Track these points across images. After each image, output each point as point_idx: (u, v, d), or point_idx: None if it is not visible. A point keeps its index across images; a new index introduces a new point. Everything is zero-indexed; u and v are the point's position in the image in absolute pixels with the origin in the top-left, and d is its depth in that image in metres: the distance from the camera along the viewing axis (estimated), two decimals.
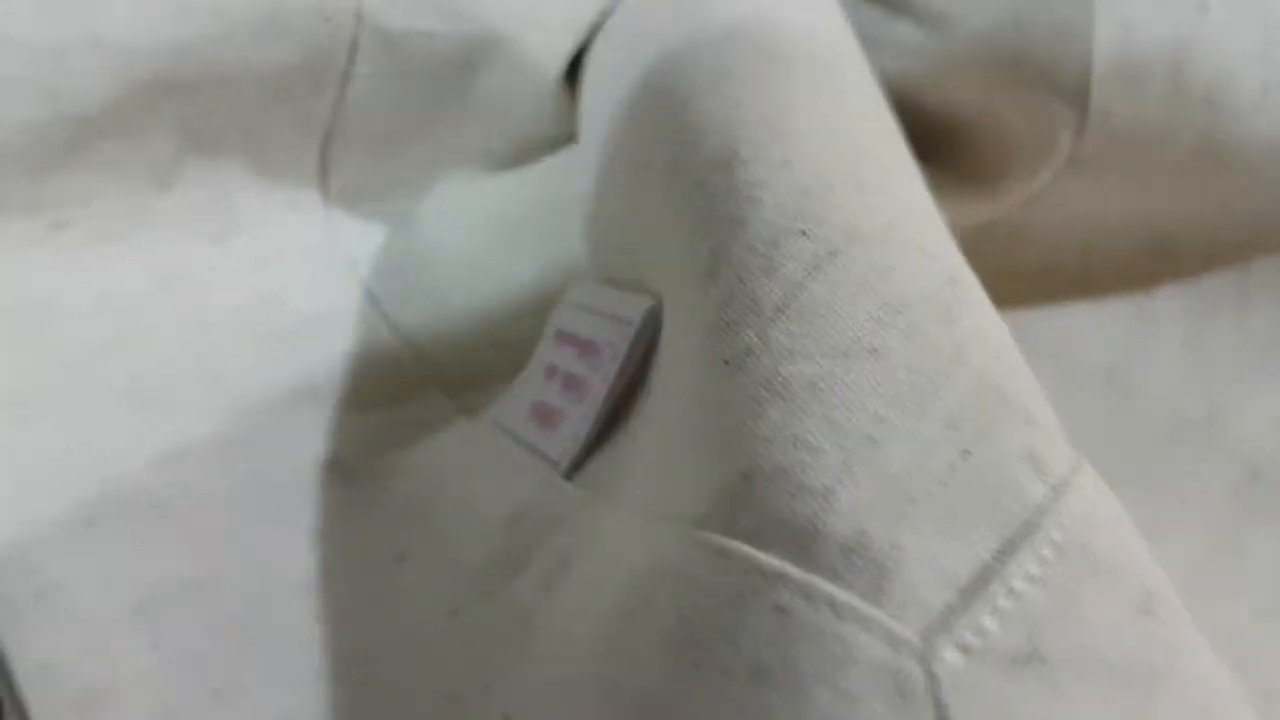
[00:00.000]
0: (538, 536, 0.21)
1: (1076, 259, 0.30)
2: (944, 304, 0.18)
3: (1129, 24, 0.25)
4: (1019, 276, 0.30)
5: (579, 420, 0.23)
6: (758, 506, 0.16)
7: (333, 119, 0.28)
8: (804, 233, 0.18)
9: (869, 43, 0.27)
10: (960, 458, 0.15)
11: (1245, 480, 0.28)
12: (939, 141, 0.28)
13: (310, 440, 0.26)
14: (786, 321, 0.17)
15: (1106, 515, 0.16)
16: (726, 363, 0.17)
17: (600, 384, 0.23)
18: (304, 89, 0.27)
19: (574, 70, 0.29)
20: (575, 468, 0.23)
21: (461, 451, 0.25)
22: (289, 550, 0.23)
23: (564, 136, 0.31)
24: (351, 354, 0.28)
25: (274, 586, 0.22)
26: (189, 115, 0.26)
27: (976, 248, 0.21)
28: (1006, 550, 0.15)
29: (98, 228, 0.26)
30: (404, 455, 0.26)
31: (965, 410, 0.16)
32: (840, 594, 0.14)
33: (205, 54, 0.25)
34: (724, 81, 0.22)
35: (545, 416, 0.24)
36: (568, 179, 0.30)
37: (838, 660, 0.14)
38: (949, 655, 0.14)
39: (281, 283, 0.28)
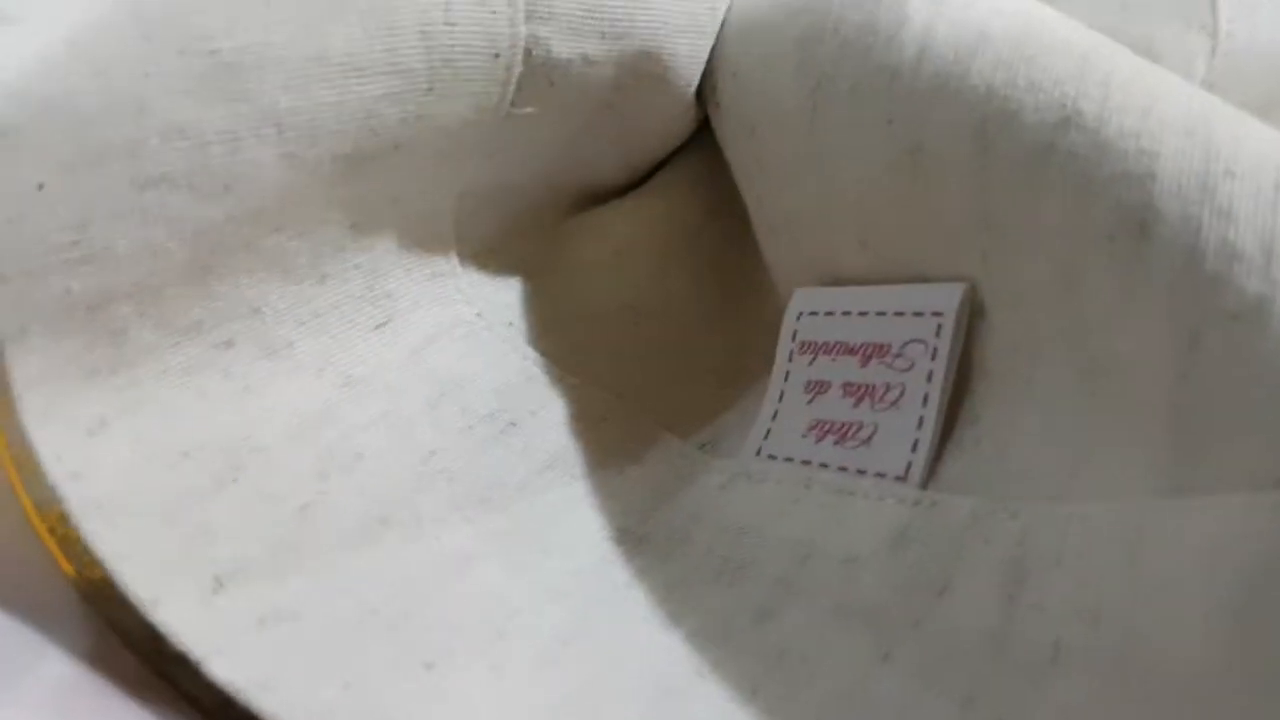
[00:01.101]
0: (939, 555, 0.20)
1: None
2: None
3: None
4: None
5: (906, 426, 0.22)
6: None
7: (473, 173, 0.25)
8: (1231, 173, 0.18)
9: None
10: None
11: None
12: None
13: (585, 519, 0.23)
14: None
15: None
16: (1235, 317, 0.16)
17: (923, 385, 0.22)
18: (467, 143, 0.24)
19: None
20: (930, 476, 0.21)
21: (754, 494, 0.23)
22: (652, 636, 0.20)
23: (672, 152, 0.29)
24: (561, 419, 0.25)
25: (666, 680, 0.19)
26: (357, 193, 0.22)
27: None
28: None
29: (264, 339, 0.22)
30: (682, 511, 0.24)
31: None
32: None
33: (384, 118, 0.22)
34: (992, 45, 0.21)
35: (842, 433, 0.23)
36: (704, 191, 0.29)
37: None
38: None
39: (457, 363, 0.25)
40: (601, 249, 0.28)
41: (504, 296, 0.27)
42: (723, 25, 0.27)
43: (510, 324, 0.26)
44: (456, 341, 0.25)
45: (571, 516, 0.23)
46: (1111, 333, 0.18)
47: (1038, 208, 0.20)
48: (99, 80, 0.19)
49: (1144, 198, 0.18)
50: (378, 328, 0.24)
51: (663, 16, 0.25)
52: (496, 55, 0.23)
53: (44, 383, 0.19)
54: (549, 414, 0.25)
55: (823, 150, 0.24)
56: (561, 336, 0.27)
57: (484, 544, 0.22)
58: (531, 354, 0.26)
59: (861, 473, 0.22)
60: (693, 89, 0.27)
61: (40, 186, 0.18)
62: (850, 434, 0.22)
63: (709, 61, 0.27)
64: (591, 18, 0.24)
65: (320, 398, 0.22)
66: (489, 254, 0.27)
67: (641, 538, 0.23)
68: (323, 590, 0.20)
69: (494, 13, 0.22)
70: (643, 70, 0.25)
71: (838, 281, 0.24)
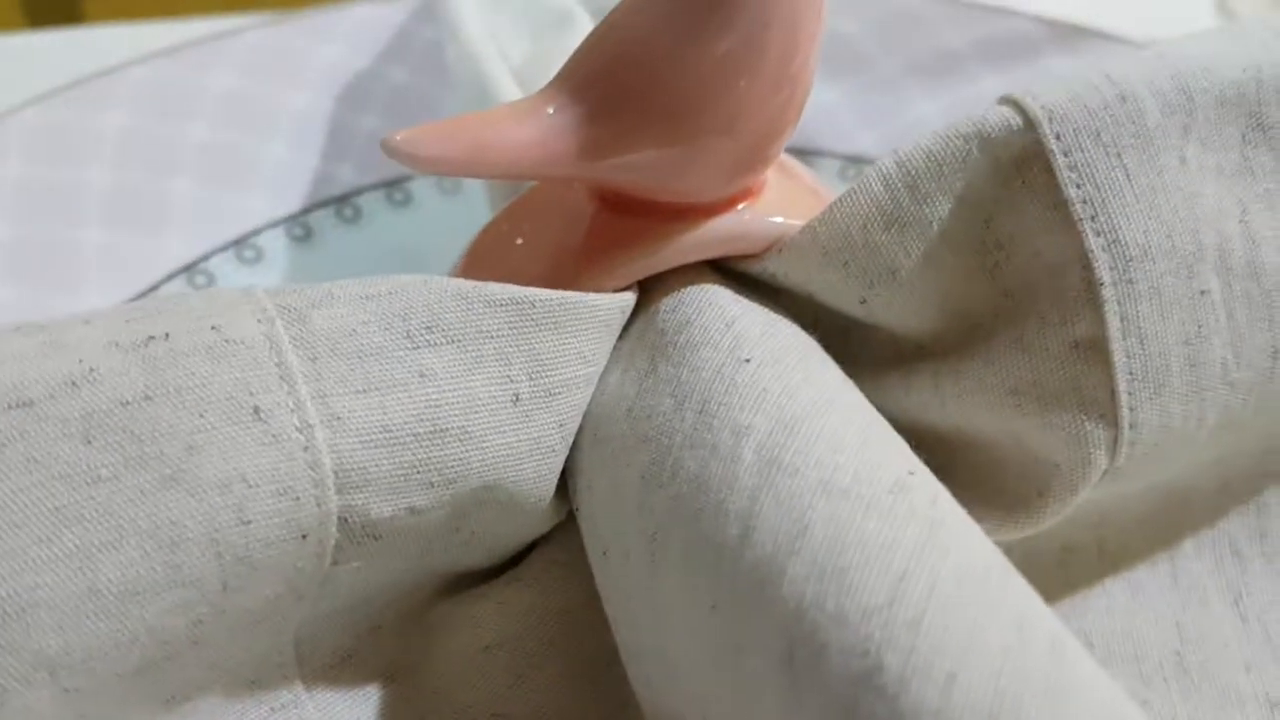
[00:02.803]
0: None
1: (1091, 534, 0.29)
2: None
3: (1143, 335, 0.24)
4: (1039, 568, 0.29)
5: None
6: None
7: (309, 613, 0.24)
8: None
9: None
10: None
11: None
12: (966, 471, 0.26)
13: None
14: None
15: None
16: None
17: None
18: (284, 606, 0.23)
19: None
20: None
21: None
22: None
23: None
24: None
25: None
26: (159, 686, 0.21)
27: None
28: None
29: None
30: None
31: None
32: None
33: (172, 629, 0.21)
34: (809, 544, 0.20)
35: None
36: (581, 569, 0.27)
37: None
38: None
39: None
40: (470, 644, 0.27)
41: (357, 714, 0.26)
42: (582, 426, 0.25)
43: None
44: None
45: None
46: None
47: None
48: None
49: None
50: None
51: (501, 450, 0.24)
52: (304, 536, 0.22)
53: None
54: None
55: (662, 611, 0.22)
56: None
57: None
58: None
59: None
60: (546, 502, 0.25)
61: None
62: None
63: (566, 466, 0.25)
64: (416, 473, 0.23)
65: None
66: (343, 662, 0.26)
67: None
68: None
69: (297, 499, 0.21)
70: (485, 499, 0.24)
71: None
